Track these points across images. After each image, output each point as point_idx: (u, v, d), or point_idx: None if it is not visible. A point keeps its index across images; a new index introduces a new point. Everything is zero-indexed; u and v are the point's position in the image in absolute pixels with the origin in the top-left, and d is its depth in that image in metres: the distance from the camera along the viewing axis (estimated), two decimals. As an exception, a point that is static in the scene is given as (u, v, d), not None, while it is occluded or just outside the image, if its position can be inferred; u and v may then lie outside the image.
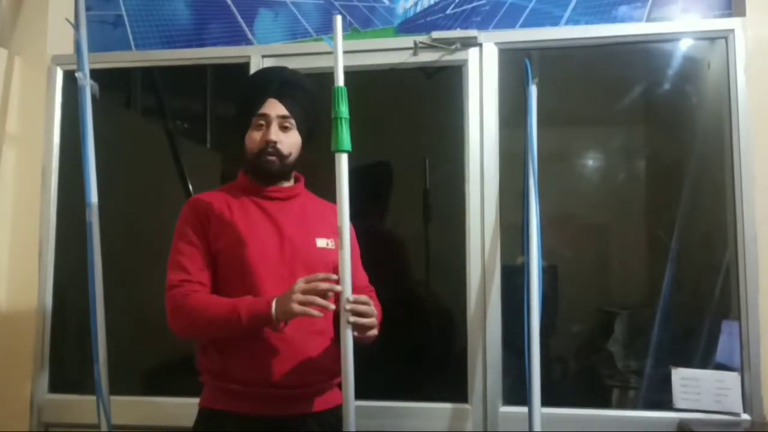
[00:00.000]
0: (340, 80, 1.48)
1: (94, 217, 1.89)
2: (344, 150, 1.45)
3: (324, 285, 1.35)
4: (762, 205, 1.86)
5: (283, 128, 1.56)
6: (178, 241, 1.55)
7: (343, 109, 1.46)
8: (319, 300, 1.34)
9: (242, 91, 1.65)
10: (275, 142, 1.54)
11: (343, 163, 1.45)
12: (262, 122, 1.56)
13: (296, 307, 1.34)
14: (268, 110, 1.55)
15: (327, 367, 1.51)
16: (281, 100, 1.56)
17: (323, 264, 1.56)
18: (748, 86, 1.89)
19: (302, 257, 1.54)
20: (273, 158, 1.55)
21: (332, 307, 1.36)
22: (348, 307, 1.37)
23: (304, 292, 1.35)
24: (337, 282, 1.37)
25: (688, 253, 1.93)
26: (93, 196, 1.89)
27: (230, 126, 1.64)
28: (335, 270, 1.47)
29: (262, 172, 1.57)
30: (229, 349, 1.47)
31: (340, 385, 1.52)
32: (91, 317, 1.84)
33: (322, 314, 1.35)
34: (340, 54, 1.49)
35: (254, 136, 1.56)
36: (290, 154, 1.57)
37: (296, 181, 1.65)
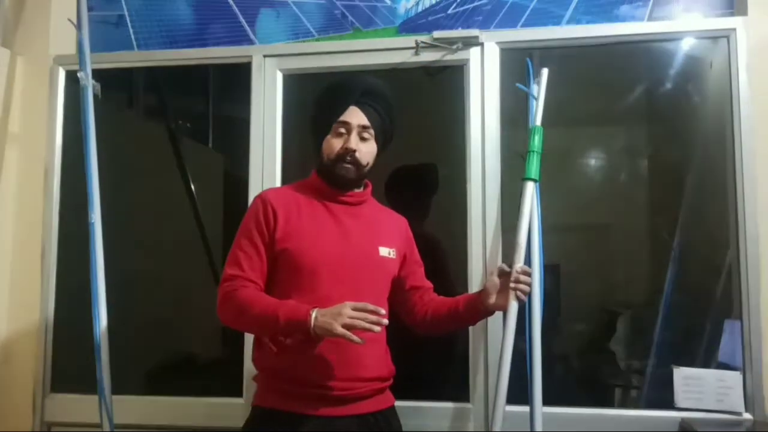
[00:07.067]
0: (538, 120, 1.77)
1: (96, 217, 1.90)
2: (531, 179, 1.70)
3: (372, 317, 1.37)
4: (764, 204, 1.86)
5: (362, 138, 1.57)
6: (241, 236, 1.56)
7: (538, 144, 1.73)
8: (364, 324, 1.35)
9: (324, 95, 1.64)
10: (354, 151, 1.55)
11: (528, 190, 1.69)
12: (343, 130, 1.56)
13: (338, 328, 1.35)
14: (350, 118, 1.56)
15: (378, 373, 1.55)
16: (363, 108, 1.57)
17: (384, 273, 1.60)
18: (750, 85, 1.89)
19: (365, 264, 1.56)
20: (350, 166, 1.56)
21: (378, 329, 1.37)
22: (522, 278, 1.56)
23: (353, 316, 1.36)
24: (386, 316, 1.39)
25: (690, 253, 1.93)
26: (95, 197, 1.90)
27: (308, 126, 1.65)
28: (394, 280, 1.61)
29: (337, 179, 1.58)
30: (286, 348, 1.49)
31: (390, 389, 1.60)
32: (94, 316, 1.85)
33: (362, 341, 1.36)
34: (542, 98, 1.79)
35: (333, 143, 1.56)
36: (367, 164, 1.59)
37: (365, 187, 1.66)
